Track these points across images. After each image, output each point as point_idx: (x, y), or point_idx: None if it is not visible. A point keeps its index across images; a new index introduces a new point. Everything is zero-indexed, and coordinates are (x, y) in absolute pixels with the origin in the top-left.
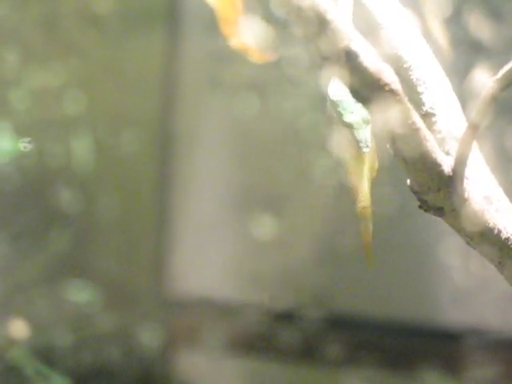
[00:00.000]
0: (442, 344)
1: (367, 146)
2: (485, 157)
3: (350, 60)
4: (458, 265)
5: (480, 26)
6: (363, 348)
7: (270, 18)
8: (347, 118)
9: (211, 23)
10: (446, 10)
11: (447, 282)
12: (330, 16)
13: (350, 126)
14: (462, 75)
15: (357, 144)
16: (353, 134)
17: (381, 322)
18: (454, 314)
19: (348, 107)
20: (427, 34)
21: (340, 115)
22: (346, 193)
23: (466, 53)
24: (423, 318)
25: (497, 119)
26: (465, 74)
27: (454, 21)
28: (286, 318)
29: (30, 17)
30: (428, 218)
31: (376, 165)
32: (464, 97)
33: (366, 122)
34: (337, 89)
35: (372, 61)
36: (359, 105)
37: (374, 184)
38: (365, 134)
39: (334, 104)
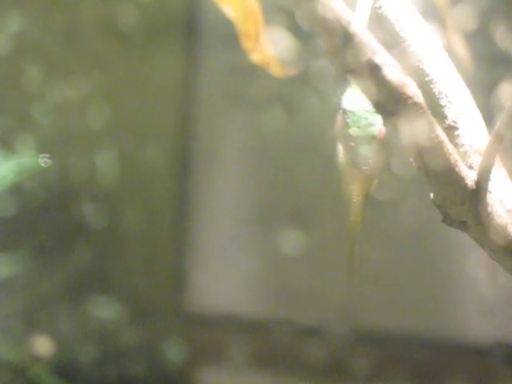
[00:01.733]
0: (469, 358)
1: (365, 164)
2: (507, 170)
3: (373, 73)
4: (485, 278)
5: (506, 39)
6: (390, 363)
7: (292, 30)
8: (352, 131)
9: (231, 37)
10: (468, 24)
11: (474, 296)
12: (353, 28)
13: (352, 140)
14: (489, 89)
15: (356, 159)
16: (354, 148)
17: (408, 336)
18: (481, 328)
19: (357, 121)
20: (449, 48)
21: (347, 126)
22: (372, 206)
23: (492, 66)
24: (450, 333)
25: None
26: (491, 87)
27: (480, 34)
28: (313, 333)
29: (52, 30)
30: (454, 232)
31: (375, 182)
32: (490, 111)
33: (371, 140)
34: (352, 99)
35: (395, 74)
36: (370, 121)
37: (401, 197)
38: (365, 151)
39: (345, 113)
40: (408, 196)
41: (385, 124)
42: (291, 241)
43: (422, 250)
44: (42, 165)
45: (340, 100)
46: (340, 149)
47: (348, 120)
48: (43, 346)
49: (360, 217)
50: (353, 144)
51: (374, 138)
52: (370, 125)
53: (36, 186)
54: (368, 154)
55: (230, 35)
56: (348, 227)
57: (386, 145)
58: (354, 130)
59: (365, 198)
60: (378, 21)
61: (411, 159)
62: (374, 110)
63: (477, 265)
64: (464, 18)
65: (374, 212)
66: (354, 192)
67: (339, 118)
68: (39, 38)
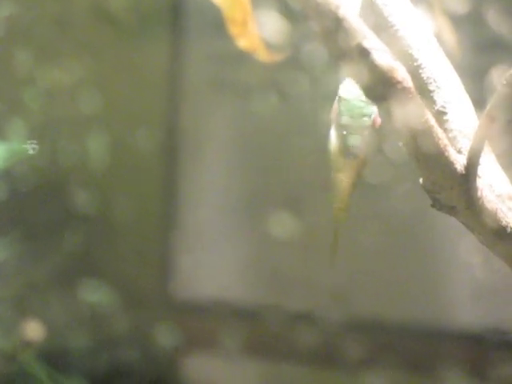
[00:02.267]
0: (462, 345)
1: (353, 154)
2: (496, 155)
3: (362, 58)
4: (478, 264)
5: (496, 24)
6: (383, 350)
7: (284, 13)
8: (344, 120)
9: (218, 23)
10: (457, 9)
11: (467, 282)
12: (342, 13)
13: (344, 128)
14: (478, 74)
15: (345, 148)
16: (345, 137)
17: (401, 323)
18: (474, 314)
19: (351, 109)
20: (438, 33)
21: (340, 114)
22: (365, 192)
23: (481, 51)
24: (443, 319)
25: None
26: (480, 72)
27: (469, 19)
28: (305, 319)
29: (43, 15)
30: (447, 217)
31: (362, 172)
32: (479, 95)
33: (362, 130)
34: (350, 87)
35: (384, 59)
36: (364, 111)
37: (394, 182)
38: (355, 141)
39: (340, 101)
40: (401, 181)
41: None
42: (281, 227)
43: (414, 235)
44: (31, 151)
45: (338, 87)
46: (332, 135)
47: (342, 108)
48: (33, 331)
49: (346, 204)
50: (344, 132)
51: (366, 128)
52: (364, 115)
53: (26, 171)
54: (358, 144)
55: (216, 21)
56: (333, 214)
57: (379, 136)
58: (346, 119)
59: (351, 186)
60: (369, 6)
61: (401, 144)
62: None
63: (470, 250)
64: (452, 2)
65: (367, 197)
66: (341, 180)
67: (335, 105)
68: (30, 23)
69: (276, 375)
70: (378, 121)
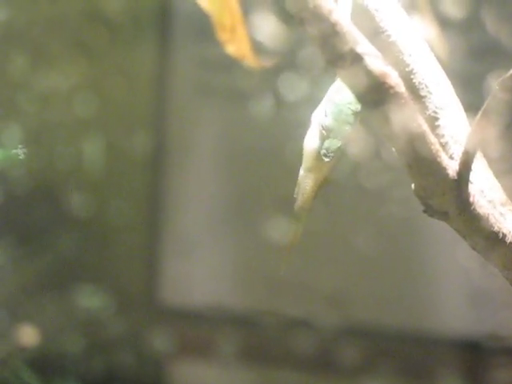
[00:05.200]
0: (459, 351)
1: (327, 157)
2: (488, 161)
3: (355, 63)
4: (474, 270)
5: (487, 30)
6: (380, 356)
7: (278, 17)
8: (328, 122)
9: (207, 28)
10: (450, 15)
11: (463, 288)
12: (335, 18)
13: (326, 130)
14: (469, 80)
15: (322, 149)
16: (323, 139)
17: (398, 329)
18: (470, 320)
19: (336, 113)
20: (429, 39)
21: (324, 115)
22: (363, 196)
23: (472, 58)
24: (440, 325)
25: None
26: (472, 78)
27: (460, 25)
28: (300, 325)
29: (38, 18)
30: (443, 224)
31: (330, 178)
32: (471, 101)
33: (342, 137)
34: (339, 91)
35: (377, 64)
36: (349, 119)
37: (390, 187)
38: (332, 145)
39: (328, 103)
40: (398, 186)
41: (367, 114)
42: (273, 231)
43: (411, 241)
44: (20, 156)
45: (328, 89)
46: (311, 134)
47: (328, 110)
48: (27, 336)
49: (309, 204)
50: (324, 133)
51: (346, 136)
52: (347, 122)
53: (23, 174)
54: (334, 148)
55: (206, 27)
56: (294, 213)
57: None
58: (330, 121)
59: (318, 187)
60: (362, 11)
61: (393, 149)
62: (357, 107)
63: (466, 256)
64: (444, 8)
65: (363, 202)
66: (310, 180)
67: (321, 105)
68: (25, 25)
69: (270, 381)
70: (356, 131)
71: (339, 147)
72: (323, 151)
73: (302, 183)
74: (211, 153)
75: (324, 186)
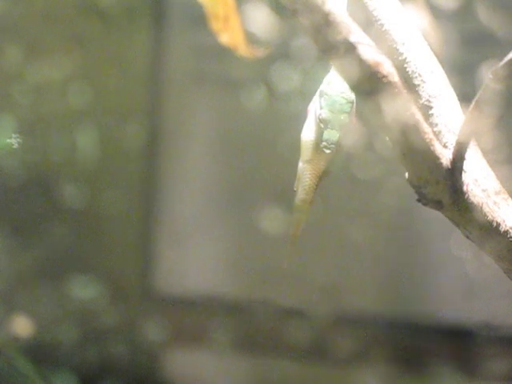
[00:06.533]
0: (453, 340)
1: (328, 148)
2: (482, 150)
3: (348, 52)
4: (468, 260)
5: (481, 20)
6: (373, 345)
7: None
8: (324, 114)
9: (200, 18)
10: (443, 4)
11: (458, 278)
12: (328, 7)
13: (323, 122)
14: (463, 69)
15: (320, 141)
16: (320, 131)
17: (391, 318)
18: (464, 310)
19: (331, 104)
20: (423, 28)
21: (321, 108)
22: (357, 186)
23: (466, 47)
24: (434, 314)
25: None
26: (466, 67)
27: (455, 15)
28: (295, 313)
29: (32, 10)
30: (438, 213)
31: (330, 169)
32: (465, 90)
33: (340, 127)
34: (333, 83)
35: (370, 53)
36: (344, 108)
37: (385, 177)
38: (331, 136)
39: (322, 95)
40: (391, 176)
41: (361, 104)
42: (268, 220)
43: (405, 230)
44: (14, 145)
45: (322, 81)
46: (308, 126)
47: (323, 102)
48: (23, 325)
49: (310, 196)
50: (322, 125)
51: (344, 125)
52: (343, 111)
53: (16, 165)
54: (334, 139)
55: (200, 16)
56: (296, 205)
57: (354, 134)
58: (326, 113)
59: (318, 179)
60: (356, 1)
61: (387, 138)
62: (351, 96)
63: (461, 245)
64: None
65: (357, 193)
66: (309, 171)
67: (316, 97)
68: (19, 17)
69: (264, 370)
70: (354, 119)
71: (339, 137)
72: (323, 143)
73: (301, 176)
74: (205, 142)
75: (324, 178)
